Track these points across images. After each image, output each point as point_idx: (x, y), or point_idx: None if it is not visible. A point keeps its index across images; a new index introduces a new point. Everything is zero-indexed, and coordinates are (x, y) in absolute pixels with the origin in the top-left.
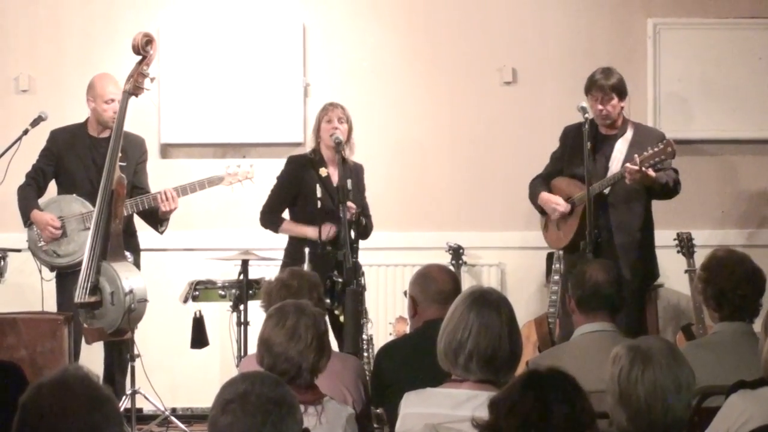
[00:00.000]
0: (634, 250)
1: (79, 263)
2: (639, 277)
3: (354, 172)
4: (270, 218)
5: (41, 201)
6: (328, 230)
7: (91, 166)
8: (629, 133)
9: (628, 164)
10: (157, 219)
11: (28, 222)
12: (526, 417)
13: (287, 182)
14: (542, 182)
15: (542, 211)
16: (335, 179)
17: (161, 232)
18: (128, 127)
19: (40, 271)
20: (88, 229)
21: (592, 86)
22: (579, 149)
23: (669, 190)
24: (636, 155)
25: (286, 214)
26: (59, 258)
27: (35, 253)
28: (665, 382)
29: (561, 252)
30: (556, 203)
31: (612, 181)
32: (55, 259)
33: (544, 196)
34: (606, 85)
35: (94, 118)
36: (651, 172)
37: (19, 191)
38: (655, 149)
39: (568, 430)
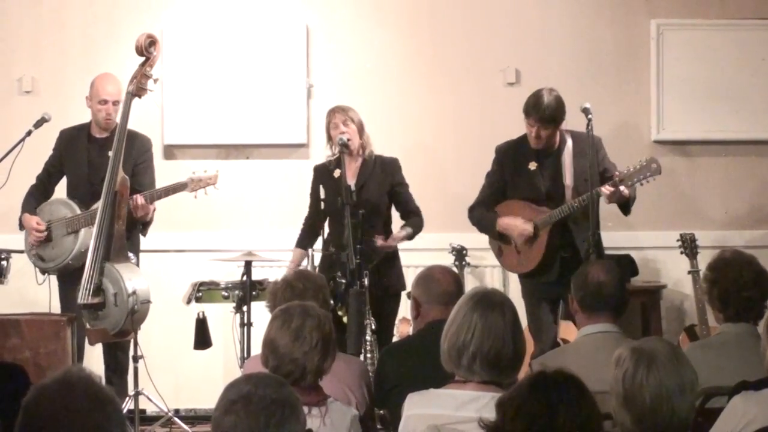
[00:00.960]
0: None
1: (64, 268)
2: None
3: (380, 168)
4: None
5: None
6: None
7: (86, 166)
8: (569, 143)
9: (604, 188)
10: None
11: (20, 225)
12: (533, 419)
13: (312, 193)
14: (487, 210)
15: (497, 237)
16: (351, 180)
17: (144, 235)
18: (131, 128)
19: (35, 274)
20: (71, 233)
21: (530, 111)
22: (521, 169)
23: (631, 203)
24: (616, 173)
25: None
26: (44, 262)
27: (27, 254)
28: (670, 384)
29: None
30: (523, 227)
31: (587, 200)
32: (40, 263)
33: (504, 221)
34: (544, 117)
35: (92, 118)
36: (626, 192)
37: (26, 195)
38: (637, 167)
39: None
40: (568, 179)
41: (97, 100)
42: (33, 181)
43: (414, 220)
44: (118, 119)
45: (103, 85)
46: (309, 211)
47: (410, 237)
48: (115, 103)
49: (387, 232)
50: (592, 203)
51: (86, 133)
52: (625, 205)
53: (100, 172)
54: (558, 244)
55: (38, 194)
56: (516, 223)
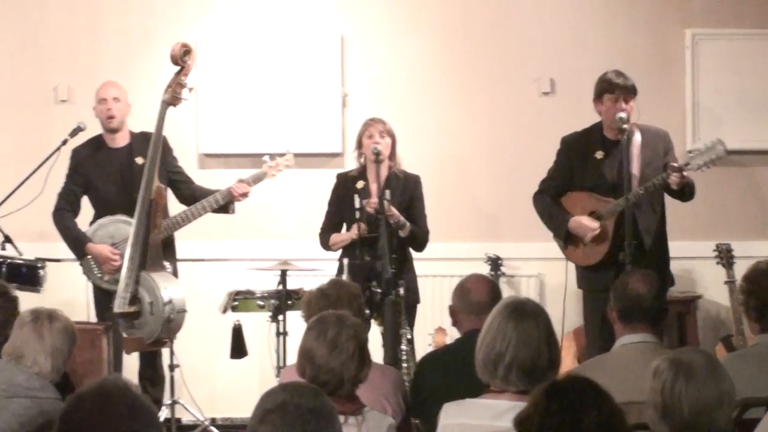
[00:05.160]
0: (659, 253)
1: None
2: (664, 281)
3: (404, 182)
4: (322, 239)
5: (89, 229)
6: (359, 228)
7: (119, 178)
8: (637, 135)
9: (672, 177)
10: (226, 208)
11: (82, 255)
12: (559, 429)
13: (332, 200)
14: (553, 201)
15: (564, 236)
16: (375, 191)
17: (233, 212)
18: (166, 137)
19: (87, 287)
20: None
21: (614, 87)
22: (588, 157)
23: (693, 190)
24: (684, 161)
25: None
26: None
27: (96, 283)
28: (708, 395)
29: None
30: (589, 226)
31: (653, 187)
32: (116, 285)
33: (576, 220)
34: (629, 86)
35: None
36: (689, 178)
37: (58, 220)
38: (702, 149)
39: None
40: (635, 168)
41: (96, 101)
42: None
43: (421, 233)
44: (149, 126)
45: (102, 87)
46: (327, 222)
47: (411, 234)
48: (115, 99)
49: (403, 248)
50: (628, 211)
51: (104, 146)
52: (684, 192)
53: (134, 181)
54: (624, 235)
55: (74, 221)
56: (586, 221)
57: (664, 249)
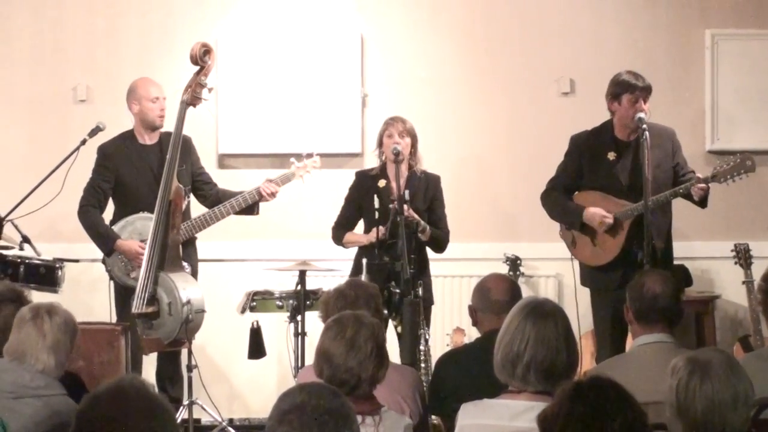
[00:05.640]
0: (667, 255)
1: None
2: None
3: (425, 182)
4: (335, 233)
5: (115, 226)
6: (378, 232)
7: (149, 175)
8: (647, 136)
9: (696, 188)
10: (251, 209)
11: (110, 252)
12: (584, 429)
13: (350, 197)
14: (566, 196)
15: (579, 227)
16: (395, 190)
17: (258, 213)
18: (191, 138)
19: (110, 286)
20: None
21: (634, 88)
22: (600, 158)
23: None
24: (709, 174)
25: (360, 228)
26: None
27: (122, 281)
28: (723, 395)
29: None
30: (605, 215)
31: (674, 195)
32: None
33: (590, 210)
34: (647, 86)
35: (140, 123)
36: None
37: (85, 218)
38: (731, 164)
39: None
40: (648, 171)
41: (148, 99)
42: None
43: (442, 234)
44: (167, 127)
45: (149, 85)
46: (341, 217)
47: (433, 237)
48: (164, 98)
49: (421, 250)
50: (646, 213)
51: (135, 142)
52: (704, 200)
53: None
54: (637, 238)
55: (101, 218)
56: (600, 211)
57: (669, 251)
